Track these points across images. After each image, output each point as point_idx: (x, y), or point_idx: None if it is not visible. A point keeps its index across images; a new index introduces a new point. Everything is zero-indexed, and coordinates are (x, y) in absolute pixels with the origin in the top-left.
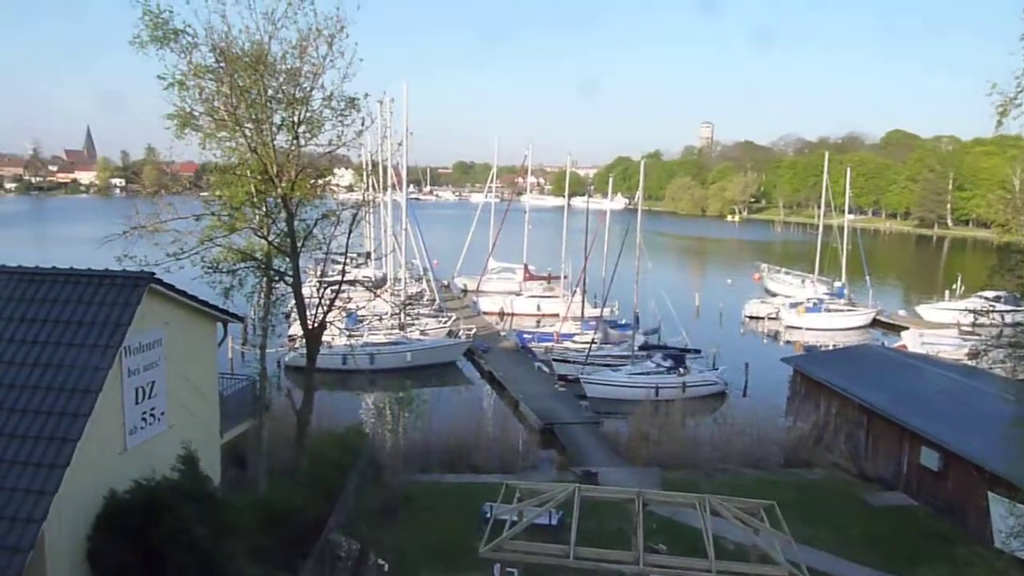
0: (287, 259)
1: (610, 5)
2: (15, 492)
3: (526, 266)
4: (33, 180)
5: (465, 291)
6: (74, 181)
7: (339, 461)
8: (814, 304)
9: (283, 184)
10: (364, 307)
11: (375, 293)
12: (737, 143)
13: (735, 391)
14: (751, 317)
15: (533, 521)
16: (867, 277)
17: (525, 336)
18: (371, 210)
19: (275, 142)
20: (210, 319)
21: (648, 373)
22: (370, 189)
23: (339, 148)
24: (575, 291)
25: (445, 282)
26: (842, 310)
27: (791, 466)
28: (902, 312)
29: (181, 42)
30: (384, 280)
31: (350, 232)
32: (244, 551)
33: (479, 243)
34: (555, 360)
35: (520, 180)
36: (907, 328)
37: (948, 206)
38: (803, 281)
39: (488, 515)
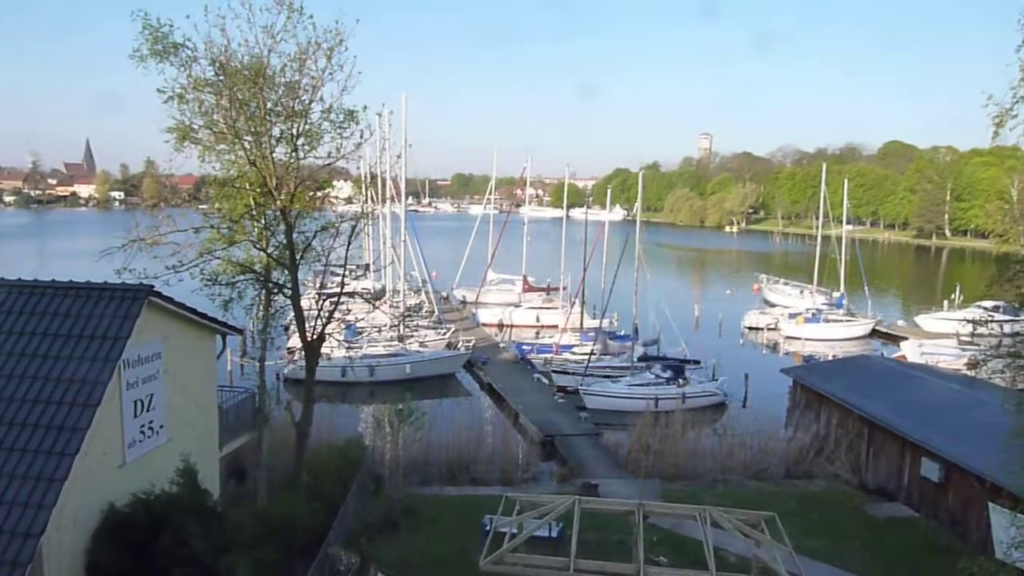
0: (286, 271)
1: (609, 17)
2: (14, 506)
3: (525, 278)
4: (32, 193)
5: (464, 303)
6: (73, 194)
7: (339, 474)
8: (813, 315)
9: (282, 196)
10: (363, 319)
11: (374, 305)
12: (735, 154)
13: (735, 402)
14: (750, 328)
15: (533, 533)
16: (866, 287)
17: (524, 348)
18: (370, 222)
19: (274, 155)
20: (209, 332)
21: (648, 384)
22: (369, 201)
23: (338, 160)
24: (574, 302)
25: (444, 294)
26: (841, 320)
27: (792, 477)
28: (901, 322)
29: (181, 56)
30: (383, 292)
31: (349, 244)
32: (244, 564)
33: (478, 255)
34: (554, 371)
35: (519, 192)
36: (906, 338)
37: (946, 216)
38: (802, 292)
39: (488, 527)
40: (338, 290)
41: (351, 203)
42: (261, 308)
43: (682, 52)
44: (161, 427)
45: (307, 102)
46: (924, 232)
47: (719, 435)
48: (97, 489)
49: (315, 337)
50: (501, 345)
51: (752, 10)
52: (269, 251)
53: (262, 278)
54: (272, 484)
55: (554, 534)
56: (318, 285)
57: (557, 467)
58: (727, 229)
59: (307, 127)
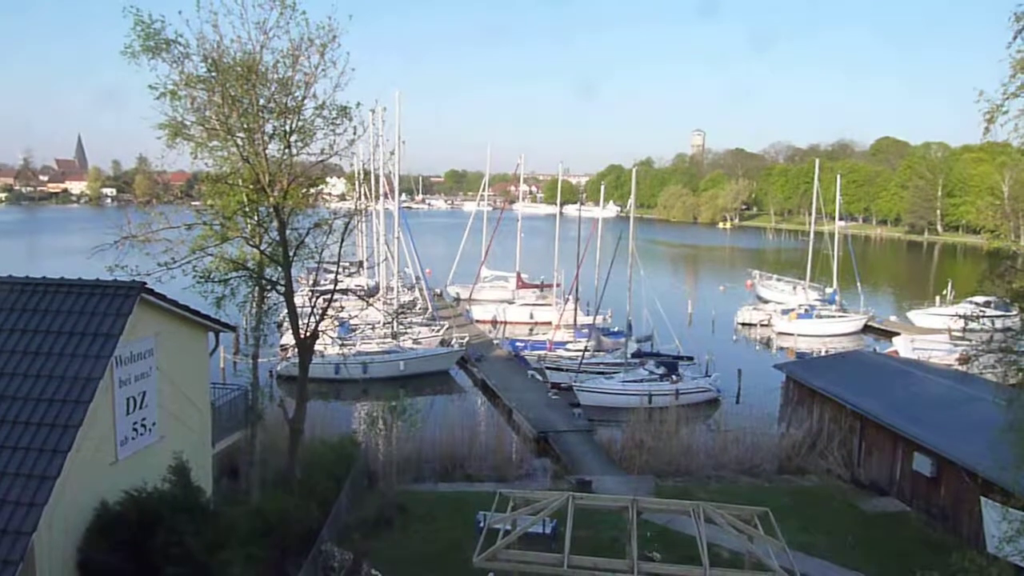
0: (279, 268)
1: (603, 15)
2: (5, 503)
3: (519, 274)
4: (24, 190)
5: (458, 299)
6: (65, 191)
7: (332, 471)
8: (806, 310)
9: (275, 193)
10: (357, 316)
11: (368, 302)
12: (728, 151)
13: (728, 398)
14: (743, 324)
15: (527, 530)
16: (858, 283)
17: (518, 344)
18: (363, 219)
19: (267, 151)
20: (202, 329)
21: (641, 380)
22: (362, 198)
23: (331, 157)
24: (568, 299)
25: (438, 291)
26: (834, 316)
27: (785, 473)
28: (893, 318)
29: (173, 52)
30: (377, 289)
31: (342, 241)
32: (237, 562)
33: (472, 251)
34: (548, 368)
35: (513, 188)
36: (898, 334)
37: (938, 212)
38: (795, 288)
39: (482, 524)
40: (331, 287)
41: (345, 200)
42: (254, 305)
43: (675, 50)
44: (154, 424)
45: (300, 98)
46: (916, 228)
47: (712, 431)
48: (89, 487)
49: (308, 334)
50: (495, 342)
51: (746, 8)
52: (262, 248)
53: (255, 275)
54: (265, 481)
55: (548, 531)
56: (311, 282)
57: (551, 464)
58: (720, 225)
59: (300, 123)
